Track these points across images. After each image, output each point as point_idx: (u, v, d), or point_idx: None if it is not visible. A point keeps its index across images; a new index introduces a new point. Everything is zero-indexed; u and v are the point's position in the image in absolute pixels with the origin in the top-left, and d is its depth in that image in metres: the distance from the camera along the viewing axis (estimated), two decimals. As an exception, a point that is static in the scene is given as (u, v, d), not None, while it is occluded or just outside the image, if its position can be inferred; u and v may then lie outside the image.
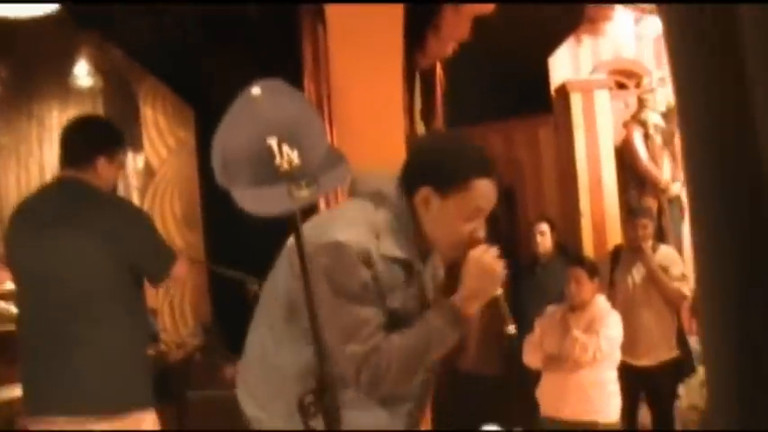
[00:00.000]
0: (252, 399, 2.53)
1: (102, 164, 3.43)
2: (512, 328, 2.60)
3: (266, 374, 2.51)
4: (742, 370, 1.31)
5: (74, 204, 3.36)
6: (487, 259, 2.54)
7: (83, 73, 6.26)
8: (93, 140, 3.47)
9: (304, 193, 1.79)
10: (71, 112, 6.48)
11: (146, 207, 6.07)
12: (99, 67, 6.22)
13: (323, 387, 1.89)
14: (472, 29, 5.78)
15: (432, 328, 2.46)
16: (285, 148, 1.78)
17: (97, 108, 6.40)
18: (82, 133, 3.52)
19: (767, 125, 1.24)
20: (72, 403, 3.25)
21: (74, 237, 3.28)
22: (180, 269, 3.49)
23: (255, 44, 5.15)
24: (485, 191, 2.46)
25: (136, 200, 6.05)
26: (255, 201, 1.81)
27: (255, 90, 1.82)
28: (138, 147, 6.30)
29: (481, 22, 5.76)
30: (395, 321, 2.43)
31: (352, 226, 2.38)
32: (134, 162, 6.48)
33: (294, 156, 1.79)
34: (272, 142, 1.78)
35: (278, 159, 1.78)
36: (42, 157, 6.21)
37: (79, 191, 3.38)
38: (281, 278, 2.45)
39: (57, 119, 6.34)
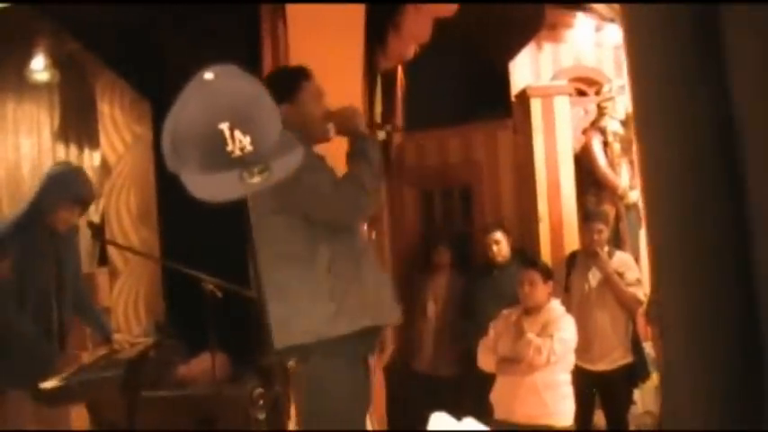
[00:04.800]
0: None
1: None
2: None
3: None
4: (699, 376, 1.32)
5: None
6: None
7: (39, 66, 6.17)
8: None
9: (256, 180, 1.77)
10: (27, 105, 6.41)
11: (102, 204, 6.00)
12: (55, 60, 6.13)
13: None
14: (434, 31, 5.79)
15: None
16: (237, 133, 1.76)
17: (53, 102, 6.32)
18: None
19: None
20: None
21: None
22: None
23: (215, 39, 5.10)
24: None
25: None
26: (206, 186, 1.79)
27: (208, 74, 1.79)
28: (94, 143, 6.22)
29: (443, 25, 5.77)
30: None
31: None
32: (90, 158, 6.40)
33: (246, 141, 1.76)
34: (224, 127, 1.75)
35: (230, 145, 1.75)
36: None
37: None
38: None
39: (12, 112, 6.26)
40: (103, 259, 6.05)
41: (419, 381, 6.78)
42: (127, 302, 5.76)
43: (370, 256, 3.24)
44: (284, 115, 2.15)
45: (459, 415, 5.85)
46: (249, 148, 1.77)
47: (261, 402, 1.85)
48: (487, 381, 5.29)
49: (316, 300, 2.98)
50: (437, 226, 7.64)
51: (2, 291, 3.99)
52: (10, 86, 6.26)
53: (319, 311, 2.98)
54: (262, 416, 1.85)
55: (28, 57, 6.15)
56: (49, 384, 3.95)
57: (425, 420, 5.83)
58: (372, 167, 3.15)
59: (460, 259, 7.02)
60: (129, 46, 5.36)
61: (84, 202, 4.31)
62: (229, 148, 1.76)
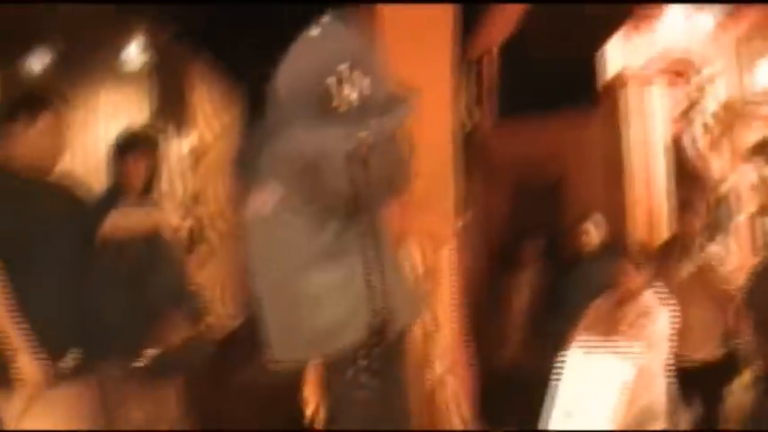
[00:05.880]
0: None
1: None
2: None
3: None
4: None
5: None
6: None
7: (131, 54, 6.24)
8: None
9: (362, 134, 1.74)
10: (117, 94, 6.48)
11: (191, 192, 6.07)
12: (149, 48, 6.20)
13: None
14: (522, 20, 5.74)
15: None
16: (344, 88, 1.74)
17: (144, 90, 6.37)
18: None
19: None
20: None
21: None
22: None
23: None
24: None
25: (180, 184, 6.06)
26: (313, 142, 1.78)
27: (314, 30, 1.78)
28: (183, 132, 6.28)
29: (531, 14, 5.71)
30: None
31: None
32: (179, 147, 6.46)
33: (353, 96, 1.74)
34: (331, 82, 1.73)
35: (336, 100, 1.74)
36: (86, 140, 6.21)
37: None
38: None
39: (102, 100, 6.34)
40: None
41: (504, 376, 6.70)
42: (215, 285, 5.80)
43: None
44: None
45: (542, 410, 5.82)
46: (356, 102, 1.75)
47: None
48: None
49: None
50: (526, 218, 7.55)
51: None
52: (102, 75, 6.35)
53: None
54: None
55: (121, 44, 6.24)
56: (140, 363, 4.00)
57: (512, 415, 5.81)
58: None
59: (549, 252, 6.94)
60: (223, 35, 5.40)
61: (146, 152, 4.41)
62: (336, 102, 1.75)
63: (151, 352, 4.10)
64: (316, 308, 2.41)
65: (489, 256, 7.25)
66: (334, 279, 2.40)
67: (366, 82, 1.77)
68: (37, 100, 3.72)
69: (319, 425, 2.86)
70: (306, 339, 2.45)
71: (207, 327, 4.56)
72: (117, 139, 4.44)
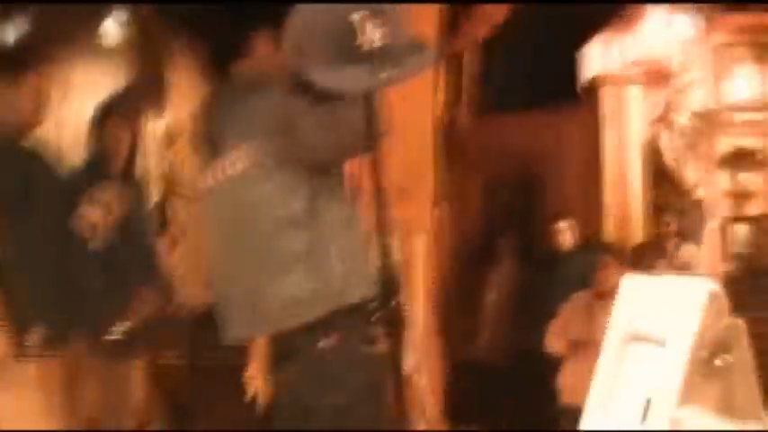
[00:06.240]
0: None
1: None
2: None
3: None
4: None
5: None
6: None
7: (109, 30, 6.14)
8: None
9: (385, 74, 1.73)
10: (95, 70, 6.35)
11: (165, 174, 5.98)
12: (126, 25, 6.10)
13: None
14: (506, 16, 5.71)
15: None
16: (369, 26, 1.73)
17: (121, 67, 6.26)
18: None
19: None
20: None
21: None
22: None
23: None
24: None
25: (155, 165, 5.95)
26: (335, 78, 1.76)
27: None
28: (159, 111, 6.19)
29: (515, 11, 5.69)
30: None
31: None
32: (153, 127, 6.36)
33: (377, 35, 1.74)
34: (356, 19, 1.72)
35: (360, 38, 1.73)
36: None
37: None
38: None
39: (81, 77, 6.20)
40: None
41: (476, 370, 6.67)
42: (185, 266, 5.71)
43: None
44: None
45: (517, 403, 5.79)
46: (379, 42, 1.74)
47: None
48: (547, 369, 5.20)
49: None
50: (500, 214, 7.54)
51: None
52: (80, 51, 6.21)
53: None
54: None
55: (100, 18, 6.12)
56: (111, 336, 3.92)
57: (483, 410, 5.77)
58: None
59: (523, 249, 6.93)
60: (203, 13, 5.32)
61: (127, 121, 4.34)
62: (359, 41, 1.73)
63: (120, 326, 4.02)
64: (281, 276, 2.35)
65: (463, 251, 7.23)
66: (301, 247, 2.35)
67: (385, 30, 1.75)
68: (19, 61, 3.64)
69: (263, 401, 2.80)
70: (268, 311, 2.38)
71: (176, 306, 4.47)
72: (98, 106, 4.35)
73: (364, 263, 2.47)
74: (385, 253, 1.97)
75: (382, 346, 2.25)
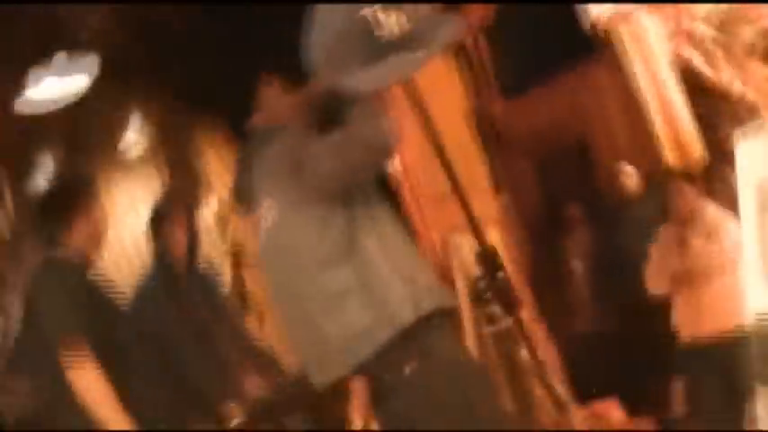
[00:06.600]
0: None
1: None
2: None
3: None
4: None
5: None
6: None
7: (130, 142, 6.20)
8: None
9: (416, 57, 1.71)
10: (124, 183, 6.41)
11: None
12: (147, 131, 6.16)
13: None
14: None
15: None
16: (383, 17, 1.70)
17: (150, 175, 6.29)
18: None
19: None
20: None
21: None
22: None
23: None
24: None
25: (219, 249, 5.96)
26: (368, 79, 1.74)
27: None
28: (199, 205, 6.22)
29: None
30: None
31: None
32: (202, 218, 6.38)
33: (395, 22, 1.70)
34: (368, 14, 1.70)
35: (378, 30, 1.70)
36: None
37: None
38: None
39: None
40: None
41: (588, 342, 6.57)
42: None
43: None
44: None
45: (639, 360, 5.68)
46: (398, 29, 1.72)
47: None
48: (658, 315, 5.12)
49: None
50: (557, 185, 7.44)
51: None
52: (108, 169, 6.28)
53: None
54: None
55: (119, 133, 6.20)
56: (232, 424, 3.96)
57: (608, 378, 5.66)
58: None
59: (592, 210, 6.84)
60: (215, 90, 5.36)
61: (182, 217, 4.39)
62: (378, 31, 1.71)
63: (236, 413, 4.05)
64: (338, 312, 2.31)
65: (533, 233, 7.16)
66: (349, 276, 2.31)
67: (402, 17, 1.73)
68: (63, 202, 3.70)
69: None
70: (336, 350, 2.34)
71: (289, 379, 4.45)
72: (151, 211, 4.42)
73: (425, 273, 2.42)
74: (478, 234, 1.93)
75: (504, 323, 2.22)
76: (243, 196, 2.57)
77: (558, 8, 7.34)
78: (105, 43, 5.36)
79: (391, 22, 1.71)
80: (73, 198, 3.69)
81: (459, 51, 6.38)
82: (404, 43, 1.73)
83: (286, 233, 2.37)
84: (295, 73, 2.01)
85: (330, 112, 2.12)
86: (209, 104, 5.51)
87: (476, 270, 2.15)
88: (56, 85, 5.28)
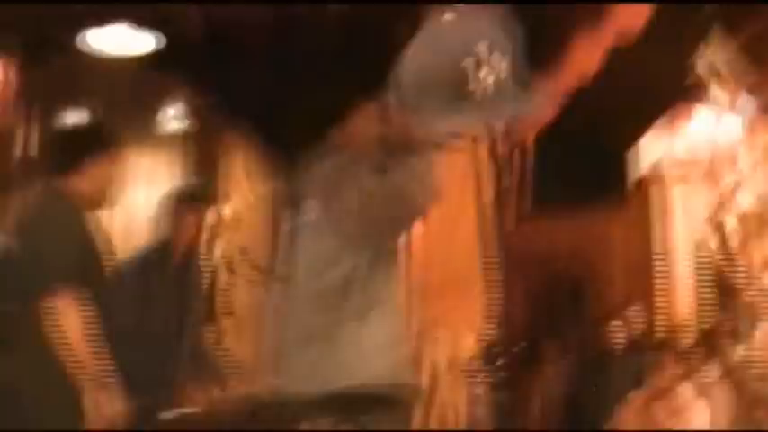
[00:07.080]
0: None
1: None
2: None
3: None
4: None
5: None
6: None
7: (165, 119, 6.23)
8: None
9: (498, 116, 1.79)
10: (148, 158, 6.43)
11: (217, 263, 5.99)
12: (183, 114, 6.20)
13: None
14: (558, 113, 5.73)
15: None
16: (483, 71, 1.77)
17: (176, 156, 6.32)
18: None
19: None
20: None
21: None
22: None
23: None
24: None
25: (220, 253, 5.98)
26: (447, 123, 1.80)
27: (448, 15, 1.82)
28: (212, 201, 6.22)
29: (564, 108, 5.71)
30: None
31: None
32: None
33: (489, 80, 1.78)
34: (469, 64, 1.77)
35: (472, 83, 1.77)
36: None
37: None
38: None
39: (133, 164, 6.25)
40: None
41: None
42: (247, 352, 5.68)
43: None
44: None
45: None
46: (491, 86, 1.79)
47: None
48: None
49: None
50: (544, 317, 7.44)
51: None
52: (137, 137, 6.30)
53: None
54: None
55: (155, 109, 6.23)
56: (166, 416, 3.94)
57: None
58: None
59: (570, 351, 6.84)
60: (261, 105, 5.41)
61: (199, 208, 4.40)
62: (472, 86, 1.78)
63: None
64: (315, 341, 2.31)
65: (509, 351, 7.13)
66: (332, 321, 2.31)
67: (504, 64, 1.81)
68: (90, 144, 3.72)
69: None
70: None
71: (231, 396, 4.43)
72: (170, 195, 4.44)
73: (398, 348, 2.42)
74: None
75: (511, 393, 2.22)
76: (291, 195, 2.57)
77: (609, 145, 7.43)
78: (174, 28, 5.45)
79: (487, 79, 1.80)
80: (94, 142, 3.71)
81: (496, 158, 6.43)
82: (487, 103, 1.80)
83: (316, 233, 2.38)
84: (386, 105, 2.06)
85: (389, 153, 2.19)
86: (252, 113, 5.56)
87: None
88: (124, 37, 5.33)
